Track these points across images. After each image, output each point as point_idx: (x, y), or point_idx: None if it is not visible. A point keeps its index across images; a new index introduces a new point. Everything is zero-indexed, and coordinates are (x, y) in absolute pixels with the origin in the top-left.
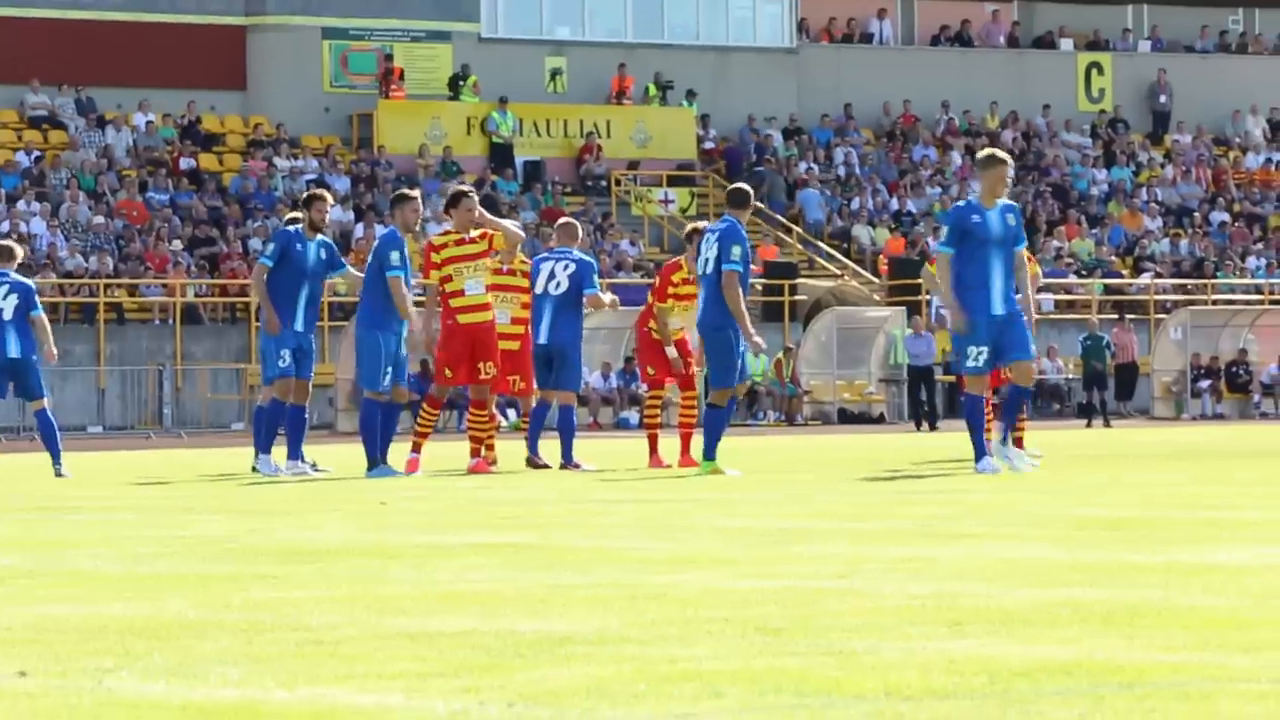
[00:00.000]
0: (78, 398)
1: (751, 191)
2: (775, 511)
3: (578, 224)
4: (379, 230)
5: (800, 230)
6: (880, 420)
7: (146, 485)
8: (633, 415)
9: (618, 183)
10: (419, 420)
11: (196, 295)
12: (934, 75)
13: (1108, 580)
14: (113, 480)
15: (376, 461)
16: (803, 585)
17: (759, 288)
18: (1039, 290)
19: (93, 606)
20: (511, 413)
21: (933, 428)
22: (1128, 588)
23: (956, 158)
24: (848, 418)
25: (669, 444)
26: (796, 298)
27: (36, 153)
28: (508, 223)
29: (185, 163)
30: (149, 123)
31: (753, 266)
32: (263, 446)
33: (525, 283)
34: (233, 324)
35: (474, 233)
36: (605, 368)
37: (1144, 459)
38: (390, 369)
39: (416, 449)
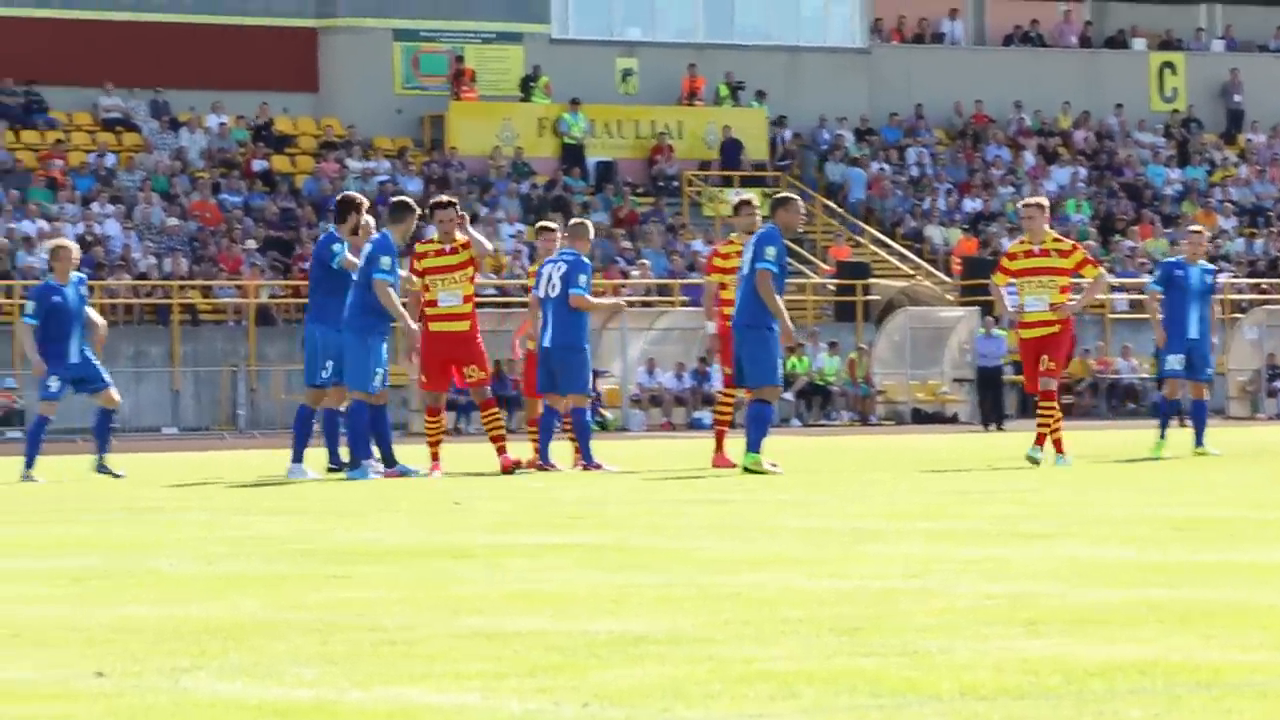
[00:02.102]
0: (152, 399)
1: (795, 199)
2: (849, 511)
3: (589, 224)
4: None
5: (873, 230)
6: (954, 420)
7: (221, 486)
8: (706, 415)
9: (689, 183)
10: (427, 431)
11: (270, 296)
12: (1006, 75)
13: (1184, 580)
14: (187, 481)
15: (359, 463)
16: (877, 585)
17: (831, 288)
18: (1111, 290)
19: (169, 607)
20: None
21: (999, 427)
22: (1204, 587)
23: (1029, 158)
24: (922, 418)
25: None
26: (869, 298)
27: (111, 155)
28: (480, 237)
29: (258, 164)
30: (222, 125)
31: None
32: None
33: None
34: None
35: (459, 238)
36: (679, 368)
37: (1220, 459)
38: (380, 370)
39: (435, 458)
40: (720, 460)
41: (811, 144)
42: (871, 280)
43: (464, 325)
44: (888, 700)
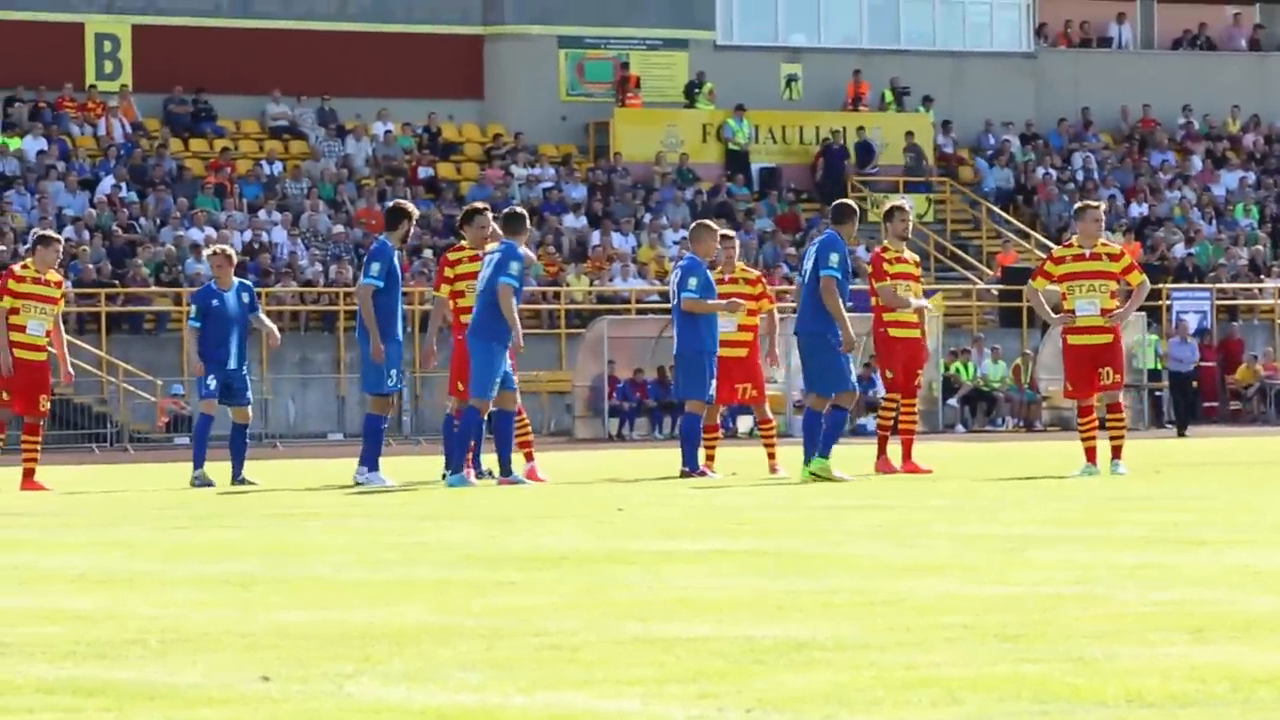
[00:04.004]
0: (318, 405)
1: (855, 208)
2: (1011, 517)
3: (712, 226)
4: (615, 238)
5: (1038, 236)
6: None
7: (385, 492)
8: (870, 420)
9: (854, 189)
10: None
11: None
12: (1174, 79)
13: None
14: (353, 487)
15: (460, 467)
16: (1041, 591)
17: (996, 293)
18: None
19: (334, 612)
20: (746, 419)
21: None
22: None
23: (1197, 162)
24: None
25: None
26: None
27: (278, 163)
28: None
29: (423, 171)
30: (388, 132)
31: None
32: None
33: (748, 290)
34: None
35: (490, 247)
36: None
37: None
38: (498, 379)
39: (529, 458)
40: (883, 465)
41: (977, 149)
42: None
43: None
44: (1052, 707)
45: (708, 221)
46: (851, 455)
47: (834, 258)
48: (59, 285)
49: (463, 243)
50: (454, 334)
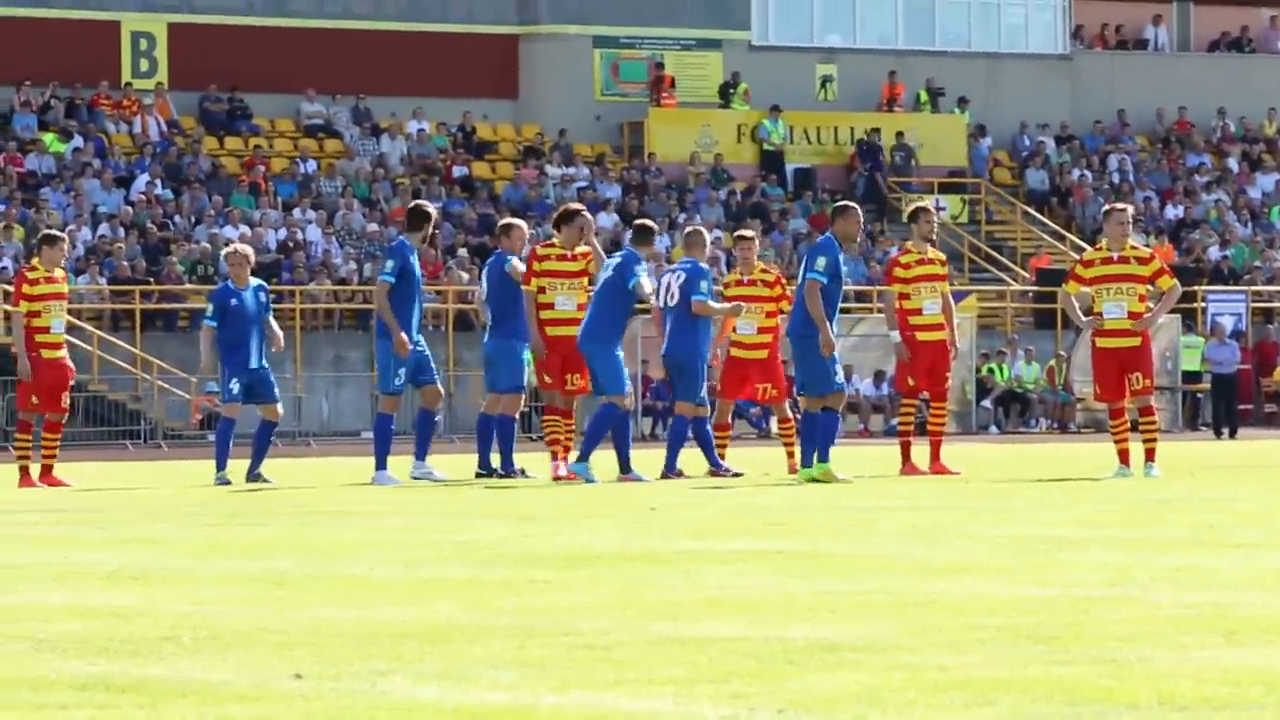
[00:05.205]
0: (352, 403)
1: (855, 207)
2: (1045, 519)
3: (703, 232)
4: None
5: (1073, 237)
6: None
7: (419, 490)
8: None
9: (890, 190)
10: (547, 429)
11: (468, 302)
12: (1210, 81)
13: None
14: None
15: (585, 460)
16: (1074, 593)
17: (1030, 295)
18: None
19: (366, 610)
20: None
21: (1221, 434)
22: None
23: (1233, 164)
24: None
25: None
26: None
27: (312, 161)
28: (601, 251)
29: (458, 170)
30: (422, 131)
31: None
32: (381, 461)
33: (767, 292)
34: None
35: (580, 249)
36: (877, 377)
37: None
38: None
39: (555, 456)
40: (909, 469)
41: (1012, 150)
42: None
43: (576, 330)
44: (1085, 709)
45: (700, 228)
46: (888, 457)
47: (821, 261)
48: (63, 281)
49: (553, 239)
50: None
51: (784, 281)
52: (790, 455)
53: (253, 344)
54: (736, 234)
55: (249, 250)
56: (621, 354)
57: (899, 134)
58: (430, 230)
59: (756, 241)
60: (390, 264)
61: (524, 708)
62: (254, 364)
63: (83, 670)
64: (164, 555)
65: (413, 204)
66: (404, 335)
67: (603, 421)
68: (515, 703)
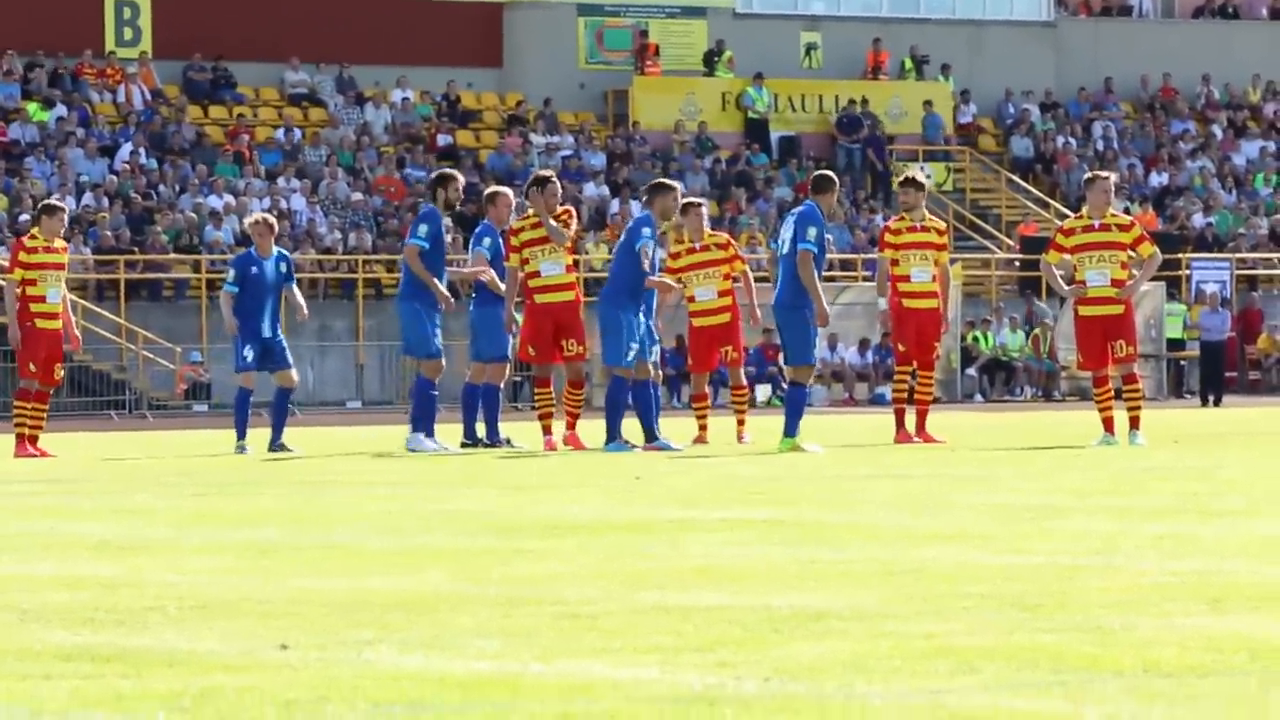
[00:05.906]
0: (336, 373)
1: (835, 179)
2: (1031, 487)
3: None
4: (634, 207)
5: (1058, 205)
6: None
7: (404, 459)
8: (888, 390)
9: (879, 160)
10: (539, 402)
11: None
12: (1194, 48)
13: None
14: (370, 454)
15: (616, 435)
16: (1060, 561)
17: (1016, 263)
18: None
19: (353, 580)
20: (765, 389)
21: (1207, 401)
22: None
23: (1217, 131)
24: None
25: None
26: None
27: (296, 130)
28: (555, 225)
29: (442, 139)
30: (406, 100)
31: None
32: (427, 427)
33: (721, 254)
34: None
35: (560, 209)
36: (862, 345)
37: None
38: (634, 345)
39: (546, 430)
40: (902, 437)
41: (997, 118)
42: None
43: (570, 295)
44: (1069, 676)
45: (668, 181)
46: (874, 425)
47: (812, 231)
48: (64, 252)
49: (528, 211)
50: (526, 300)
51: (733, 243)
52: (740, 423)
53: (267, 312)
54: (684, 201)
55: (272, 220)
56: (639, 319)
57: (864, 99)
58: (449, 194)
59: (705, 208)
60: (424, 229)
61: (510, 676)
62: (267, 333)
63: (68, 640)
64: (150, 525)
65: (437, 171)
66: (446, 294)
67: (609, 396)
68: (501, 671)
